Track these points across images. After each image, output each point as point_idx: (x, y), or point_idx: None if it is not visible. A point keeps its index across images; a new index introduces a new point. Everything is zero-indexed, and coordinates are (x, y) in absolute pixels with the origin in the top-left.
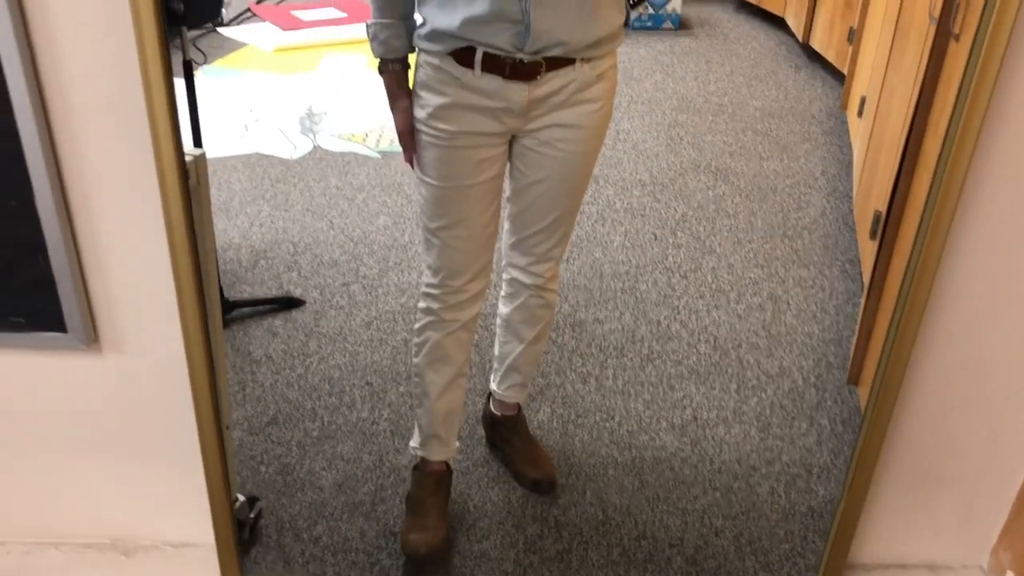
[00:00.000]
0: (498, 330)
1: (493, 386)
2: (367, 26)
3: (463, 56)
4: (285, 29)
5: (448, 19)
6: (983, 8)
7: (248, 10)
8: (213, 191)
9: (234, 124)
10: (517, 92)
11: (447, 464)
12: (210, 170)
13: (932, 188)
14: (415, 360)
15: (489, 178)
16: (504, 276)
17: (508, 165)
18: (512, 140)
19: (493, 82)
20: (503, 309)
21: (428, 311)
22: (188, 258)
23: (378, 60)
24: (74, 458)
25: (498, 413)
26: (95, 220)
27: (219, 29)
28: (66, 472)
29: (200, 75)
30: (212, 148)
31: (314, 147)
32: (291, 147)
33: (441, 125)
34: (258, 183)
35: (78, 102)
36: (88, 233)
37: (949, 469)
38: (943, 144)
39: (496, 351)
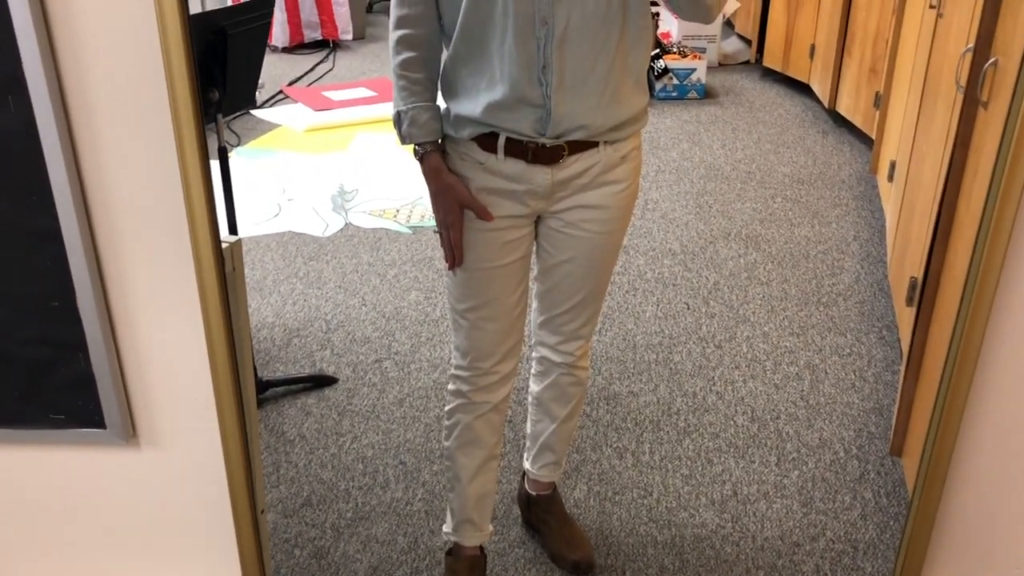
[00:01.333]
0: (530, 408)
1: (527, 465)
2: (399, 113)
3: (486, 141)
4: (317, 109)
5: (471, 106)
6: (1017, 78)
7: (280, 92)
8: (247, 270)
9: (267, 204)
10: (540, 175)
11: (481, 548)
12: (244, 250)
13: (973, 257)
14: (446, 443)
15: (516, 260)
16: (534, 355)
17: (535, 245)
18: (538, 220)
19: (516, 166)
20: (534, 387)
21: (458, 393)
22: (225, 353)
23: (413, 147)
24: (113, 551)
25: (533, 493)
26: (134, 318)
27: (252, 111)
28: (105, 565)
29: (234, 156)
30: (246, 228)
31: (346, 224)
32: (323, 225)
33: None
34: (291, 261)
35: (119, 203)
36: (127, 331)
37: (1002, 549)
38: (983, 211)
39: (528, 429)
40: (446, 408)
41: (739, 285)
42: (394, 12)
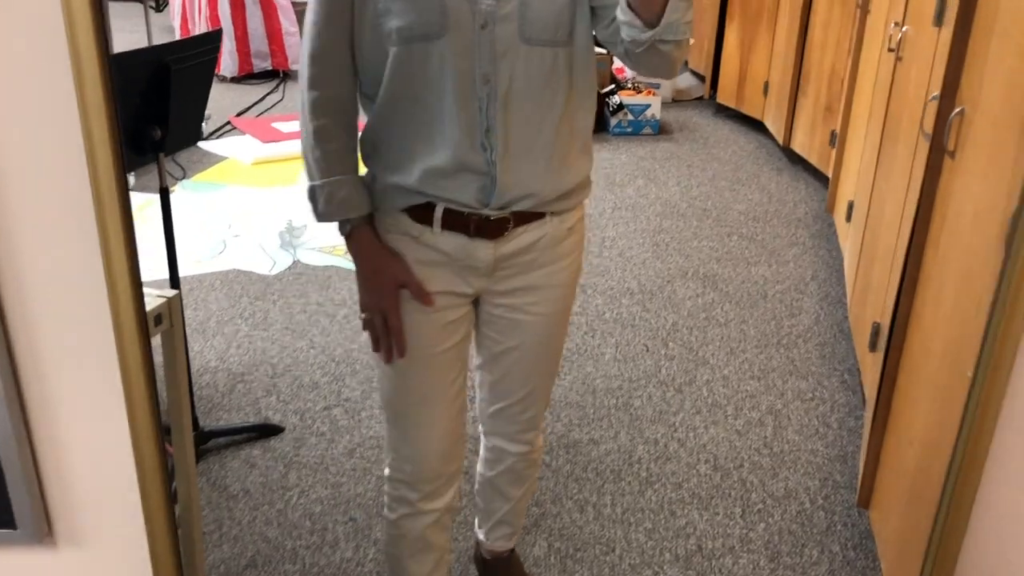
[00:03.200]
0: (479, 488)
1: (480, 536)
2: (312, 189)
3: (419, 213)
4: (265, 141)
5: (403, 174)
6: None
7: (228, 123)
8: (189, 311)
9: (212, 240)
10: (482, 250)
11: None
12: (186, 289)
13: (982, 353)
14: (391, 550)
15: (456, 343)
16: (484, 443)
17: (476, 332)
18: (478, 305)
19: (455, 240)
20: (485, 471)
21: (402, 501)
22: (151, 438)
23: (337, 224)
24: None
25: (489, 557)
26: (49, 403)
27: (199, 143)
28: None
29: (178, 190)
30: (189, 266)
31: (294, 262)
32: (270, 262)
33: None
34: (236, 301)
35: (28, 257)
36: (43, 418)
37: None
38: (993, 302)
39: (481, 505)
40: (389, 516)
41: (698, 326)
42: (304, 71)
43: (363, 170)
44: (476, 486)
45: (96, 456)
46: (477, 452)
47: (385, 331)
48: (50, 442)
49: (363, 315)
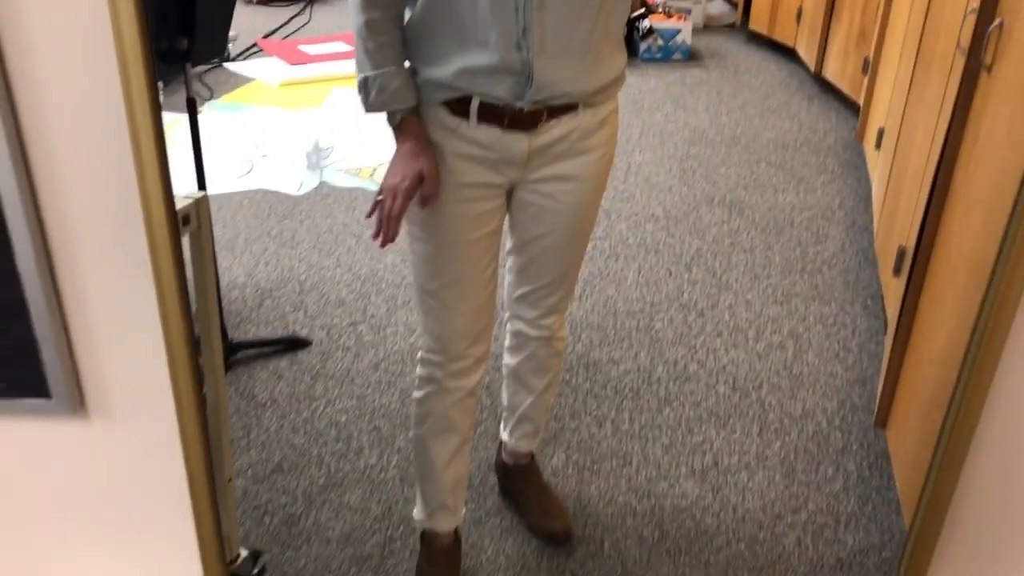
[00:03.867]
0: (505, 380)
1: (504, 436)
2: (365, 80)
3: (457, 106)
4: (292, 64)
5: (440, 70)
6: None
7: (255, 44)
8: (218, 229)
9: (240, 160)
10: (517, 142)
11: (456, 532)
12: (215, 207)
13: (1002, 247)
14: (417, 431)
15: (488, 232)
16: (509, 327)
17: (507, 218)
18: (510, 192)
19: (491, 133)
20: (509, 360)
21: (430, 379)
22: (179, 316)
23: (386, 114)
24: (62, 527)
25: (510, 462)
26: (80, 277)
27: (225, 64)
28: (54, 542)
29: (206, 110)
30: (217, 185)
31: (320, 183)
32: (297, 183)
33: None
34: (264, 220)
35: (61, 150)
36: (72, 292)
37: (1012, 548)
38: (1018, 193)
39: (505, 401)
40: (416, 394)
41: (722, 252)
42: None
43: None
44: (503, 382)
45: (125, 333)
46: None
47: (388, 214)
48: (81, 317)
49: (379, 197)
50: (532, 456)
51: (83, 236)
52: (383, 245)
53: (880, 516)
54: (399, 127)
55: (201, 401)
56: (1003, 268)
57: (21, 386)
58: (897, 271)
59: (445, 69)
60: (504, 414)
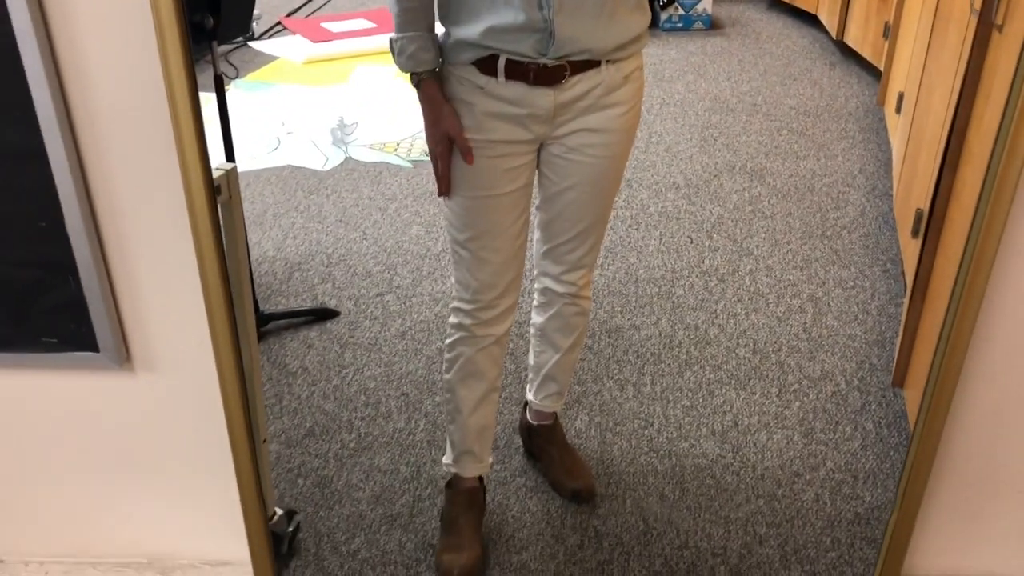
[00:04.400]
0: (532, 340)
1: (529, 396)
2: (391, 41)
3: (486, 65)
4: (315, 41)
5: (470, 30)
6: None
7: (279, 23)
8: (247, 204)
9: (266, 137)
10: (543, 97)
11: (481, 479)
12: (243, 183)
13: (984, 184)
14: (446, 376)
15: (519, 187)
16: (536, 285)
17: (536, 173)
18: (540, 148)
19: (518, 89)
20: (537, 319)
21: (460, 327)
22: (217, 276)
23: (409, 74)
24: (109, 477)
25: (535, 423)
26: (125, 240)
27: (250, 43)
28: (101, 491)
29: (232, 89)
30: (245, 162)
31: (346, 158)
32: (323, 159)
33: (468, 135)
34: (291, 195)
35: (105, 121)
36: (118, 253)
37: (1007, 476)
38: (996, 138)
39: (531, 360)
40: (447, 341)
41: (743, 218)
42: None
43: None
44: (530, 342)
45: (170, 292)
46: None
47: (437, 174)
48: (126, 277)
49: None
50: (556, 417)
51: (126, 201)
52: (443, 193)
53: (898, 472)
54: (419, 88)
55: (239, 358)
56: (987, 198)
57: (71, 340)
58: (915, 234)
59: (474, 29)
60: (530, 375)
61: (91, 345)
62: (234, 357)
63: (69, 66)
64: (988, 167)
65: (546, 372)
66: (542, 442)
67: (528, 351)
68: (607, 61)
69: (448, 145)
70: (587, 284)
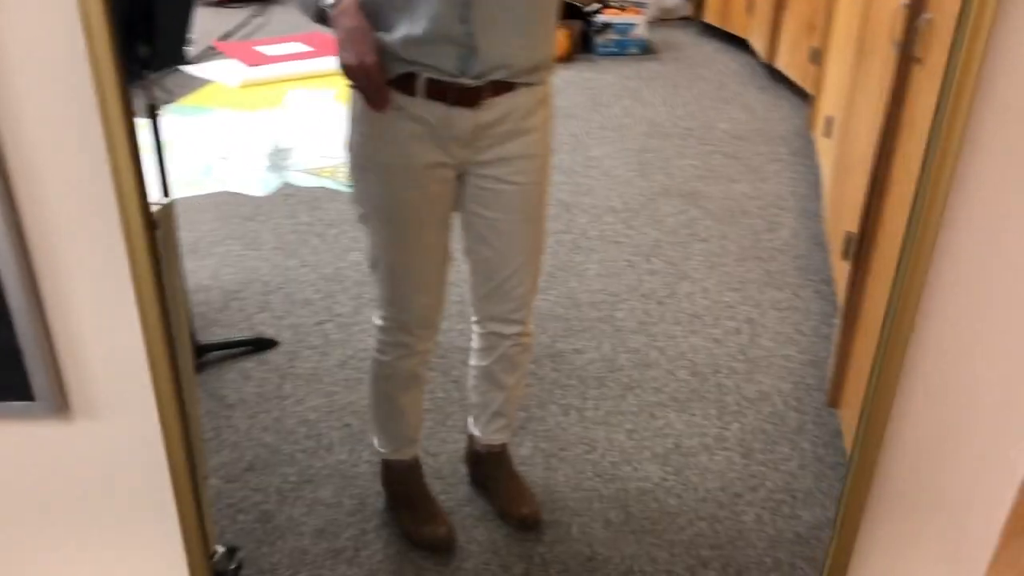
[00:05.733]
0: (475, 381)
1: (475, 431)
2: None
3: (405, 84)
4: (250, 65)
5: (389, 36)
6: (953, 36)
7: (212, 47)
8: (182, 232)
9: (201, 163)
10: (462, 119)
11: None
12: (178, 211)
13: (913, 211)
14: (383, 386)
15: (441, 209)
16: (478, 331)
17: (462, 217)
18: (463, 184)
19: (437, 109)
20: (480, 363)
21: (398, 344)
22: (158, 320)
23: (315, 10)
24: (47, 528)
25: (483, 450)
26: (62, 287)
27: (183, 67)
28: (39, 542)
29: (166, 114)
30: (179, 188)
31: (283, 183)
32: (259, 184)
33: (387, 160)
34: (227, 222)
35: (40, 166)
36: (55, 298)
37: (937, 500)
38: (923, 164)
39: (475, 400)
40: (383, 358)
41: (680, 242)
42: None
43: None
44: (470, 382)
45: (108, 335)
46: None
47: (373, 87)
48: (64, 321)
49: (350, 84)
50: (505, 445)
51: (62, 241)
52: (382, 109)
53: (835, 492)
54: (335, 5)
55: (181, 399)
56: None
57: (5, 389)
58: (846, 255)
59: (393, 36)
60: (475, 411)
61: (26, 394)
62: (175, 399)
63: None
64: (915, 197)
65: (495, 410)
66: (490, 469)
67: (471, 388)
68: (523, 84)
69: (375, 51)
70: (530, 318)
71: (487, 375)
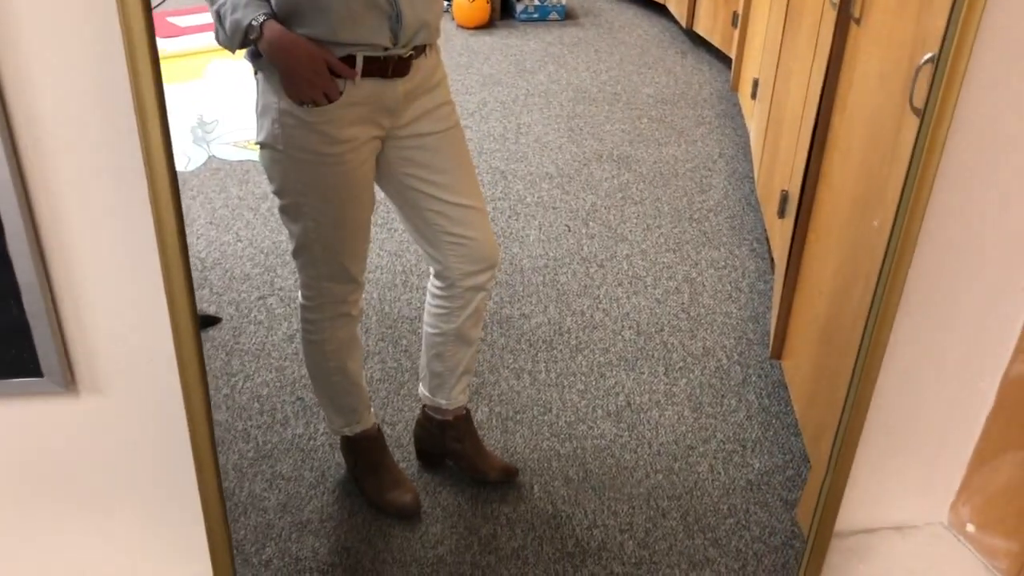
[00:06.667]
0: (440, 348)
1: (442, 402)
2: (217, 13)
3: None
4: (163, 37)
5: (322, 26)
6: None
7: None
8: None
9: None
10: (393, 89)
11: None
12: None
13: (907, 182)
14: (332, 362)
15: (368, 177)
16: (449, 292)
17: (395, 188)
18: (386, 155)
19: (373, 85)
20: (449, 325)
21: (337, 314)
22: (184, 288)
23: (246, 34)
24: (56, 505)
25: (450, 418)
26: (69, 258)
27: None
28: (48, 519)
29: None
30: None
31: (209, 157)
32: (185, 159)
33: (323, 148)
34: None
35: (48, 130)
36: (63, 272)
37: (913, 435)
38: (916, 139)
39: (439, 368)
40: (321, 335)
41: (615, 205)
42: None
43: None
44: (433, 350)
45: (118, 307)
46: None
47: (326, 94)
48: (71, 297)
49: (305, 104)
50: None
51: (73, 211)
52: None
53: (781, 439)
54: (260, 36)
55: (203, 371)
56: (907, 198)
57: (14, 366)
58: (781, 214)
59: (326, 23)
60: (439, 379)
61: (34, 370)
62: (199, 372)
63: (8, 68)
64: (909, 165)
65: (463, 369)
66: (459, 434)
67: (436, 355)
68: (429, 45)
69: (327, 71)
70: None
71: (457, 335)
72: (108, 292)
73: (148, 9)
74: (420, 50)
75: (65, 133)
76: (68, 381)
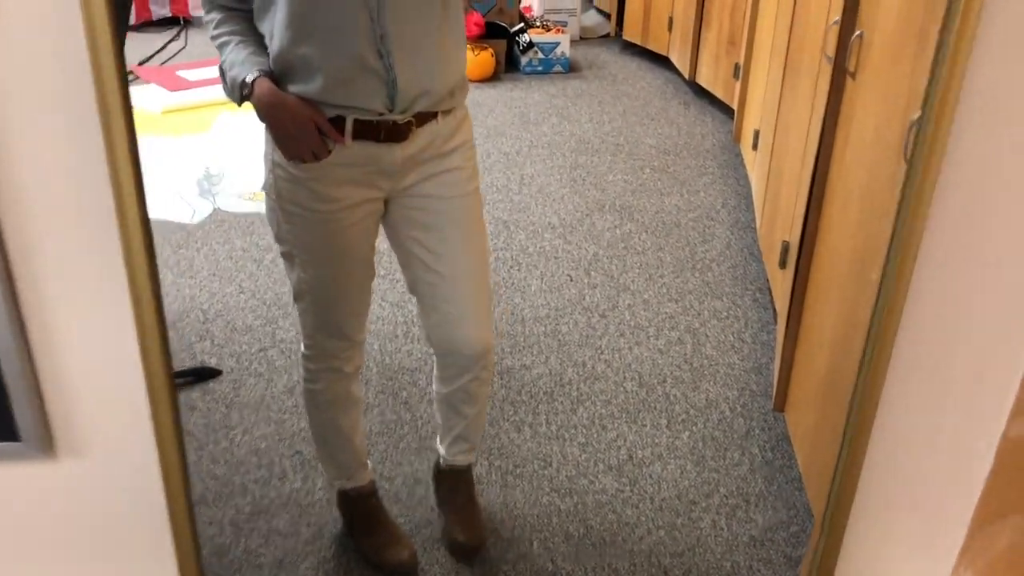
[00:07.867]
0: (438, 405)
1: (441, 450)
2: (220, 69)
3: (332, 127)
4: (172, 90)
5: (312, 84)
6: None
7: (131, 72)
8: None
9: None
10: (391, 154)
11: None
12: None
13: (895, 233)
14: (324, 415)
15: (368, 239)
16: (438, 361)
17: (399, 246)
18: (392, 212)
19: (366, 148)
20: (442, 389)
21: (329, 369)
22: (159, 346)
23: (241, 90)
24: (38, 569)
25: (445, 468)
26: (48, 319)
27: None
28: None
29: None
30: None
31: (214, 209)
32: (190, 211)
33: (314, 205)
34: (159, 251)
35: (26, 192)
36: (41, 334)
37: (912, 498)
38: (902, 191)
39: (439, 420)
40: (316, 386)
41: (617, 255)
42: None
43: None
44: (434, 403)
45: (98, 368)
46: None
47: (315, 153)
48: (49, 357)
49: (292, 161)
50: (469, 467)
51: (50, 274)
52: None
53: (785, 494)
54: (252, 93)
55: (180, 432)
56: (896, 253)
57: None
58: (782, 264)
59: (316, 83)
60: (440, 431)
61: (11, 435)
62: (175, 433)
63: None
64: (896, 220)
65: (456, 434)
66: (449, 488)
67: (435, 410)
68: (442, 112)
69: (316, 131)
70: (491, 349)
71: (447, 401)
72: (86, 356)
73: (125, 84)
74: (426, 116)
75: (43, 204)
76: (47, 446)
